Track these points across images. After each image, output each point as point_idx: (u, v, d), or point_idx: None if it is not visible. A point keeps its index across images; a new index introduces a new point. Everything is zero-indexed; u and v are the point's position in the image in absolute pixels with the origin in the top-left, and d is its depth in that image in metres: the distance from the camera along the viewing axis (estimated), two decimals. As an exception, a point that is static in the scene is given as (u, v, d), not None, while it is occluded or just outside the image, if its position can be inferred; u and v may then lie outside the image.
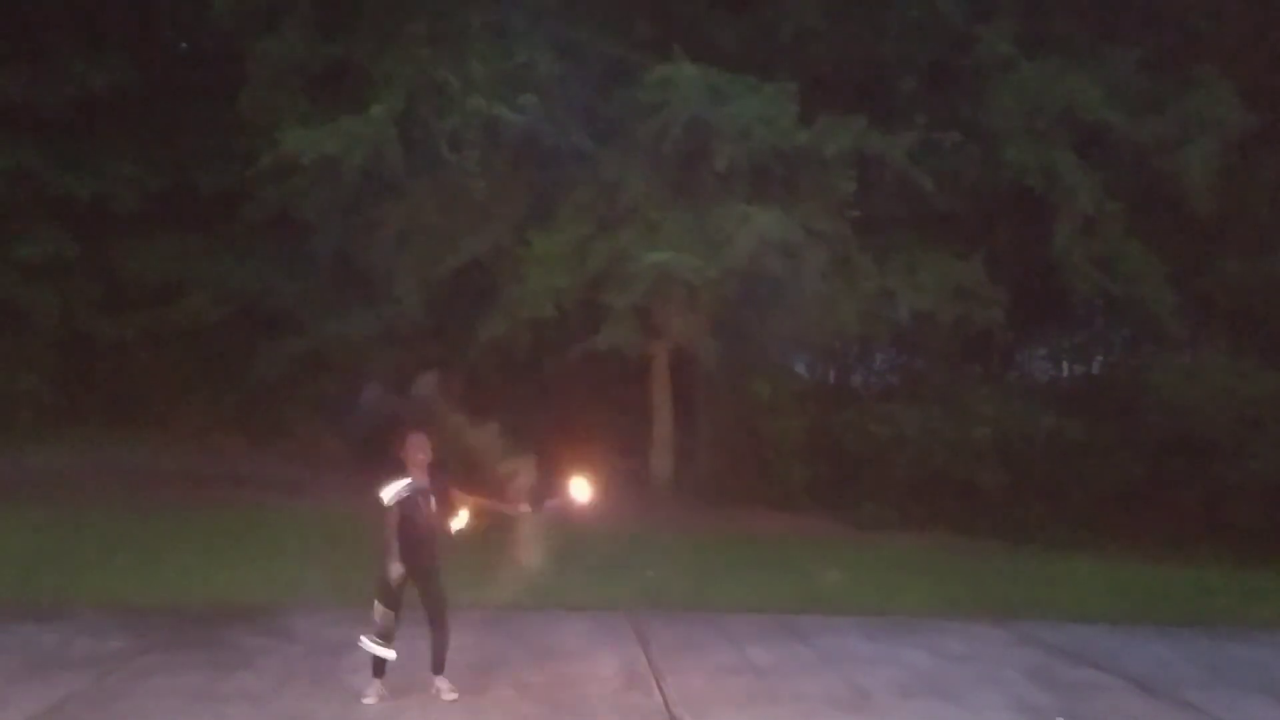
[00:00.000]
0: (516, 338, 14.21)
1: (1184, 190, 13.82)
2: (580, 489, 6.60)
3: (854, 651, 8.25)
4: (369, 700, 6.32)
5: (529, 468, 7.06)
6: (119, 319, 17.05)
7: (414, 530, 6.30)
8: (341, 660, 7.14)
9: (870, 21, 14.87)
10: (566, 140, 13.54)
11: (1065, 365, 19.50)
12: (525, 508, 6.73)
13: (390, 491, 6.31)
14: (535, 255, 13.67)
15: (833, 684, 7.26)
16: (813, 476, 15.56)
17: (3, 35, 16.50)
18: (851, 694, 7.05)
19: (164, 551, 10.60)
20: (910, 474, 15.02)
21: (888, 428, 15.12)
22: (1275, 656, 9.16)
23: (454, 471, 6.88)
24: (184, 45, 19.41)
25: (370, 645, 6.33)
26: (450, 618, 6.50)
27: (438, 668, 6.52)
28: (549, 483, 6.95)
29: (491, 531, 6.78)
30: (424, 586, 6.42)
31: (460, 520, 6.56)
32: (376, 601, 6.31)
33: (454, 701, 6.42)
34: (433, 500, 6.42)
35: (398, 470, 6.41)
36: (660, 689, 6.96)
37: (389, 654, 6.35)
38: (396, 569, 6.20)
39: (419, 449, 6.44)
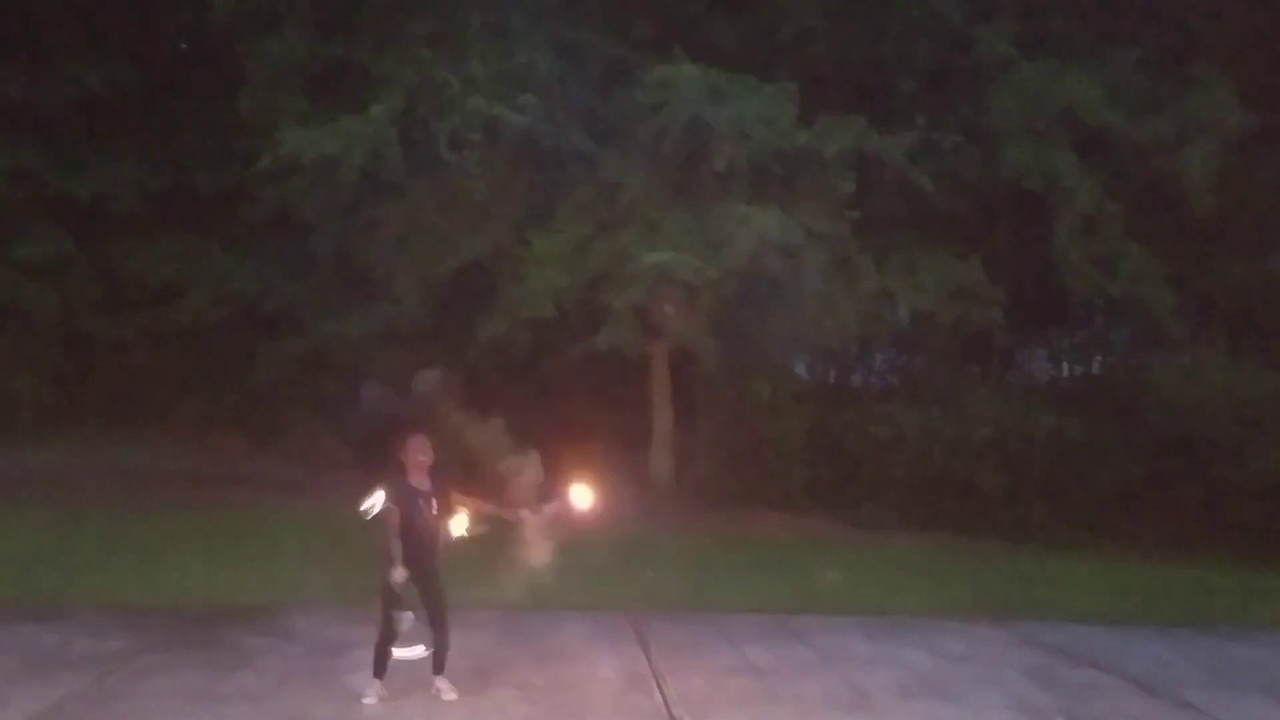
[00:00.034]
0: (516, 338, 14.22)
1: (1183, 190, 13.83)
2: (580, 495, 6.59)
3: (854, 652, 8.25)
4: (369, 700, 6.32)
5: (534, 463, 7.03)
6: (119, 319, 17.06)
7: (415, 532, 6.29)
8: (341, 660, 7.14)
9: (870, 22, 14.89)
10: (566, 140, 13.55)
11: (1065, 365, 19.52)
12: (526, 512, 6.71)
13: (370, 503, 6.32)
14: (535, 255, 13.68)
15: (832, 684, 7.25)
16: (812, 477, 15.56)
17: (3, 35, 16.52)
18: (851, 694, 7.05)
19: (164, 551, 10.59)
20: (910, 474, 15.03)
21: (887, 428, 15.14)
22: (1276, 657, 9.16)
23: (456, 470, 6.87)
24: (184, 45, 19.42)
25: (404, 654, 6.33)
26: (450, 618, 6.49)
27: (438, 668, 6.51)
28: (550, 482, 6.93)
29: (491, 532, 6.76)
30: (425, 587, 6.41)
31: (461, 526, 6.54)
32: (391, 611, 6.26)
33: (454, 702, 6.41)
34: (434, 503, 6.42)
35: (398, 471, 6.41)
36: (660, 689, 6.96)
37: (419, 652, 6.34)
38: (400, 574, 6.18)
39: (419, 450, 6.43)
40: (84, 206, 16.39)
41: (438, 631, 6.47)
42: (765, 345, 15.45)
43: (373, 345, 15.71)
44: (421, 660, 6.48)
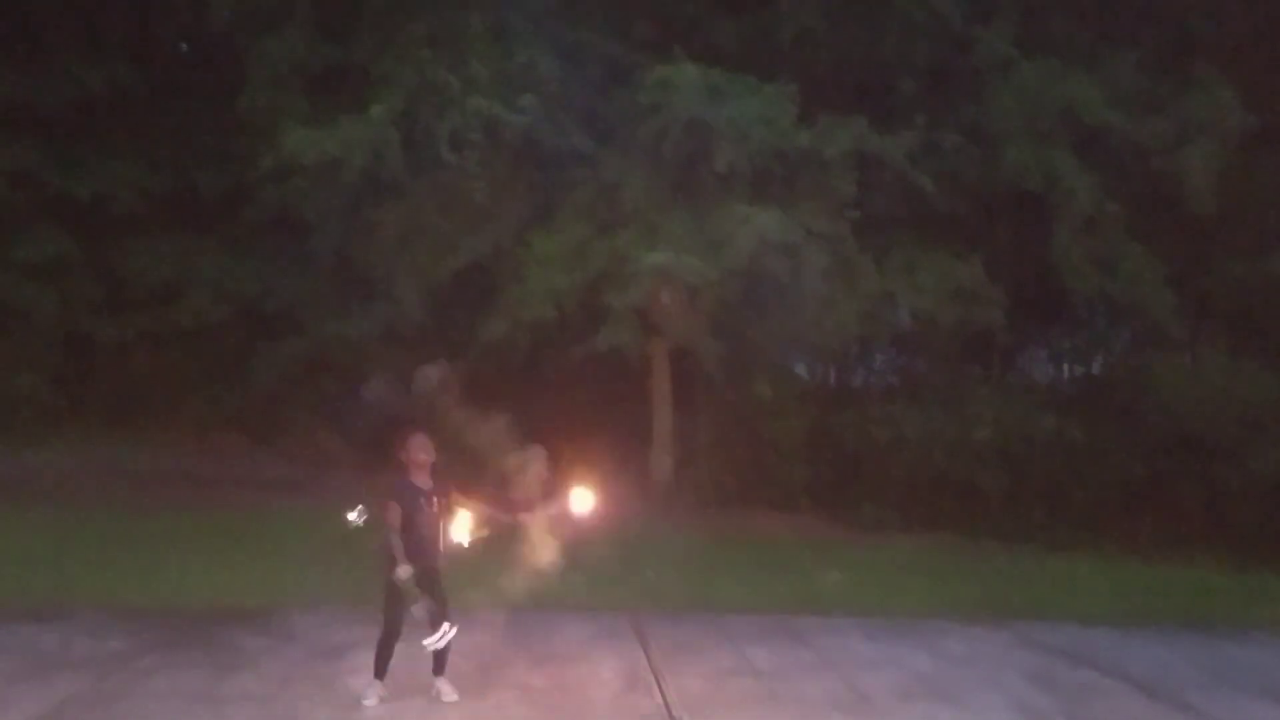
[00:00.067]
0: (517, 338, 14.21)
1: (1184, 191, 13.84)
2: (580, 499, 6.58)
3: (854, 653, 8.25)
4: (369, 702, 6.31)
5: (539, 459, 7.01)
6: (119, 319, 17.05)
7: (416, 531, 6.29)
8: (342, 661, 7.14)
9: (870, 22, 14.89)
10: (567, 141, 13.56)
11: (1065, 366, 19.53)
12: (526, 516, 6.71)
13: (355, 513, 6.31)
14: (535, 256, 13.68)
15: (833, 686, 7.25)
16: (813, 477, 15.57)
17: (3, 35, 16.51)
18: (852, 696, 7.05)
19: (164, 552, 10.60)
20: (910, 475, 15.03)
21: (888, 429, 15.14)
22: (1276, 658, 9.16)
23: (459, 468, 6.86)
24: (184, 46, 19.41)
25: (435, 641, 6.28)
26: (451, 619, 6.49)
27: (438, 669, 6.51)
28: (553, 481, 6.92)
29: (492, 534, 6.76)
30: (426, 587, 6.40)
31: (464, 532, 6.52)
32: (392, 611, 6.26)
33: (454, 703, 6.41)
34: (435, 501, 6.41)
35: (399, 470, 6.41)
36: (661, 690, 6.96)
37: (448, 631, 6.28)
38: (405, 570, 6.17)
39: (421, 449, 6.42)
40: (84, 207, 16.39)
41: (438, 632, 6.46)
42: (766, 346, 15.45)
43: (373, 346, 15.73)
44: (422, 662, 6.48)
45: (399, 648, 6.39)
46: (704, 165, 13.25)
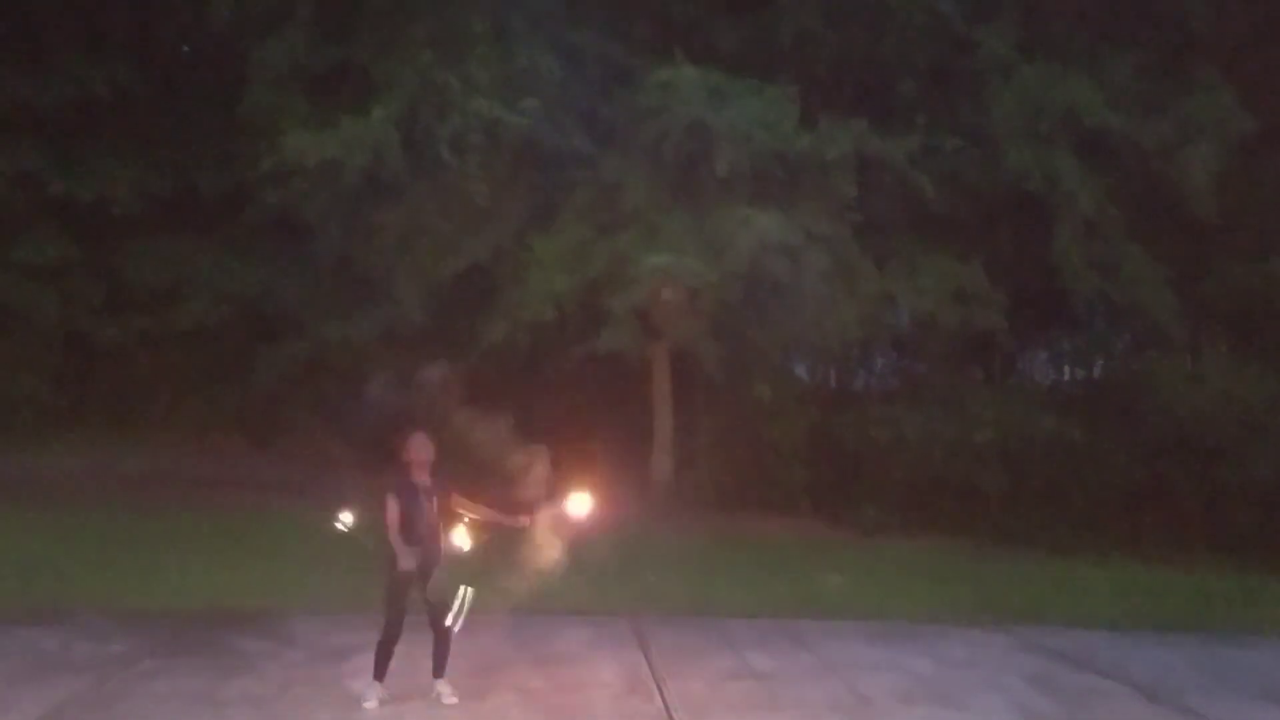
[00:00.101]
0: (517, 340, 14.20)
1: (1184, 193, 13.85)
2: (579, 503, 6.57)
3: (855, 657, 8.24)
4: (369, 705, 6.31)
5: (542, 458, 7.01)
6: (120, 321, 17.03)
7: (415, 529, 6.29)
8: (343, 664, 7.13)
9: (871, 24, 14.90)
10: (567, 143, 13.55)
11: (1066, 369, 19.53)
12: (526, 520, 6.70)
13: (343, 518, 6.31)
14: (536, 258, 13.68)
15: (834, 689, 7.25)
16: (813, 479, 15.56)
17: (3, 35, 16.50)
18: (853, 700, 7.04)
19: (164, 554, 10.58)
20: (911, 477, 15.03)
21: (888, 431, 15.13)
22: (1277, 661, 9.15)
23: (460, 469, 6.86)
24: (185, 48, 19.39)
25: (457, 618, 6.36)
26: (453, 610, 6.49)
27: (438, 671, 6.51)
28: (555, 481, 6.91)
29: (492, 537, 6.76)
30: (427, 587, 6.40)
31: (463, 538, 6.52)
32: (393, 612, 6.28)
33: (455, 705, 6.41)
34: (434, 500, 6.42)
35: (400, 469, 6.41)
36: (661, 694, 6.95)
37: (466, 592, 6.37)
38: (408, 559, 6.17)
39: (421, 448, 6.42)
40: (85, 208, 16.36)
41: (438, 634, 6.47)
42: (766, 347, 15.44)
43: (373, 347, 15.71)
44: (422, 664, 6.48)
45: (399, 650, 6.39)
46: (704, 167, 13.25)
